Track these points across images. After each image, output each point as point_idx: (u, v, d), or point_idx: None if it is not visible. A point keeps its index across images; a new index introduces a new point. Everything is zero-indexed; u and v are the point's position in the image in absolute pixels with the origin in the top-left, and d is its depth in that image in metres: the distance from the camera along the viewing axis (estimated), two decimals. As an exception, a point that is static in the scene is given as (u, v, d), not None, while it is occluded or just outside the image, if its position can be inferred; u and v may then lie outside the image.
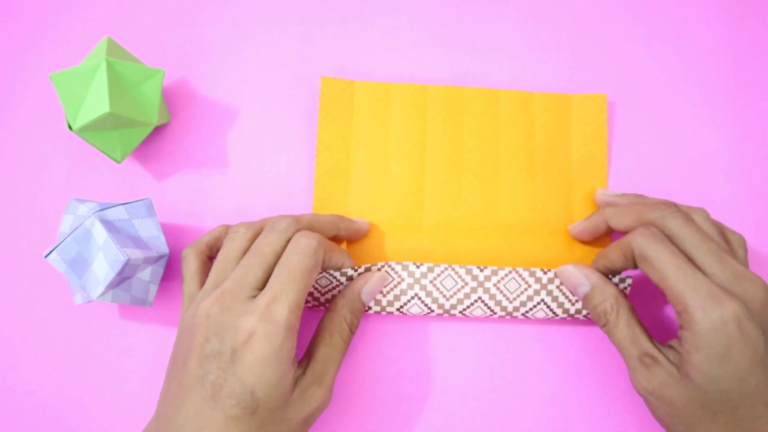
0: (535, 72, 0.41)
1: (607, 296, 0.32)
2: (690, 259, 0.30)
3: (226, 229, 0.35)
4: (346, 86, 0.39)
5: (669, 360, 0.29)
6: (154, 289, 0.35)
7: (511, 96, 0.39)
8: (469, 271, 0.34)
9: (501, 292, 0.34)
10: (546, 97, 0.39)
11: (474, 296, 0.35)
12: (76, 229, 0.32)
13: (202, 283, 0.33)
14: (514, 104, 0.39)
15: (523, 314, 0.35)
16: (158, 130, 0.39)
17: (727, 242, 0.32)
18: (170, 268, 0.38)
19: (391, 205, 0.37)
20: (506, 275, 0.34)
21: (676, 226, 0.30)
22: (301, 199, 0.38)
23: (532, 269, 0.34)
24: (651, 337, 0.31)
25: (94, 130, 0.35)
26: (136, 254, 0.32)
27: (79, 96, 0.34)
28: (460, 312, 0.35)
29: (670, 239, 0.30)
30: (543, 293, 0.34)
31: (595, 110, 0.39)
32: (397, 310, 0.35)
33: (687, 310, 0.28)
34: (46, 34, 0.41)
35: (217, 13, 0.41)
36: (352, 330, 0.33)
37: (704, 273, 0.29)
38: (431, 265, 0.34)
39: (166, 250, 0.34)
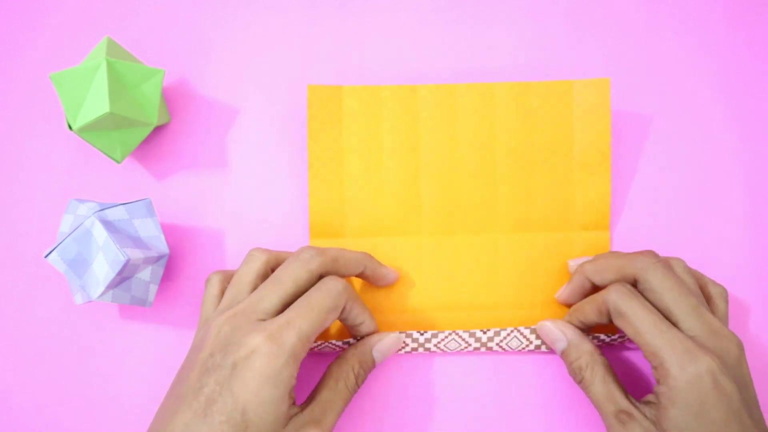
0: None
1: (582, 353, 0.32)
2: (668, 313, 0.30)
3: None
4: (334, 93, 0.37)
5: (645, 416, 0.30)
6: (154, 289, 0.35)
7: (506, 88, 0.37)
8: (472, 334, 0.35)
9: (504, 351, 0.36)
10: (544, 86, 0.37)
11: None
12: (76, 229, 0.32)
13: None
14: (510, 97, 0.37)
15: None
16: (158, 130, 0.39)
17: (707, 295, 0.33)
18: (170, 268, 0.38)
19: (389, 212, 0.37)
20: (508, 335, 0.35)
21: (655, 279, 0.30)
22: (301, 199, 0.38)
23: (533, 327, 0.36)
24: (627, 393, 0.31)
25: (94, 130, 0.35)
26: (136, 254, 0.32)
27: (79, 96, 0.34)
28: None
29: (650, 292, 0.31)
30: (544, 348, 0.36)
31: (598, 97, 0.37)
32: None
33: (663, 365, 0.28)
34: (46, 34, 0.41)
35: (217, 13, 0.41)
36: (358, 383, 0.32)
37: (680, 328, 0.29)
38: (435, 332, 0.36)
39: (166, 250, 0.34)
